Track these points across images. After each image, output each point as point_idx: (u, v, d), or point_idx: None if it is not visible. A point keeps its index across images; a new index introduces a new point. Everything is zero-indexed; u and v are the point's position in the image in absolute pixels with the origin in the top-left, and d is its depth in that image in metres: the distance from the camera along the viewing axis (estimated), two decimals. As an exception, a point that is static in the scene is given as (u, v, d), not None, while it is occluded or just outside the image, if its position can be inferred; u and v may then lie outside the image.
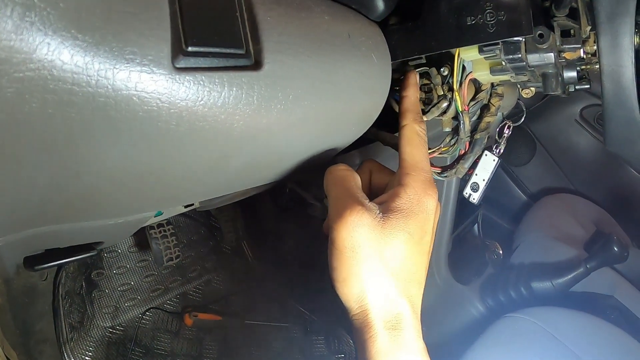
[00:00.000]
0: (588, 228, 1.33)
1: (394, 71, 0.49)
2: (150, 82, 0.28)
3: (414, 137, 0.45)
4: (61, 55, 0.25)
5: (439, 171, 0.61)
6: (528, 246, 1.27)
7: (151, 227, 1.01)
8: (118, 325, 1.13)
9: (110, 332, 1.11)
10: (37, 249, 0.57)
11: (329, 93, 0.39)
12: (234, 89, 0.32)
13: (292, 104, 0.36)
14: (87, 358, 1.06)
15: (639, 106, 0.48)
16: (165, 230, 1.01)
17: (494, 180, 1.77)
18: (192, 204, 0.82)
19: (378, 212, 0.40)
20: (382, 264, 0.40)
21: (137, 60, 0.28)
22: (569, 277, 1.09)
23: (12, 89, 0.25)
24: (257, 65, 0.33)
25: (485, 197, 1.52)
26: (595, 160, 1.53)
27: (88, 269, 1.13)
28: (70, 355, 1.05)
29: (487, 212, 1.66)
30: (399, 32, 0.49)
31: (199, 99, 0.31)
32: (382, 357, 0.38)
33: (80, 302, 1.10)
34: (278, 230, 1.29)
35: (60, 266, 1.07)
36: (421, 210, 0.41)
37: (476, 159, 0.85)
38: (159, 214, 0.78)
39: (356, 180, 0.44)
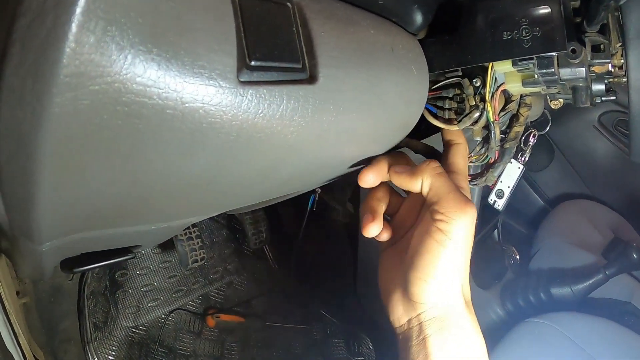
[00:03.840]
0: (606, 234, 1.33)
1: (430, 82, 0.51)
2: (216, 95, 0.30)
3: (465, 153, 0.54)
4: (136, 68, 0.26)
5: (470, 179, 0.62)
6: (547, 252, 1.27)
7: (177, 229, 1.03)
8: (141, 325, 1.15)
9: (133, 332, 1.13)
10: (78, 252, 0.59)
11: (373, 104, 0.41)
12: (292, 101, 0.34)
13: (341, 115, 0.38)
14: (110, 357, 1.08)
15: None
16: (190, 233, 1.03)
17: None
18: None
19: None
20: (467, 258, 0.44)
21: (206, 75, 0.29)
22: (588, 283, 1.09)
23: (87, 101, 0.26)
24: (312, 79, 0.35)
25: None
26: (613, 167, 1.52)
27: (113, 269, 1.16)
28: (94, 355, 1.07)
29: (506, 218, 1.66)
30: (436, 44, 0.50)
31: (260, 111, 0.32)
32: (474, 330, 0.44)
33: (104, 302, 1.12)
34: (300, 233, 1.30)
35: (90, 267, 1.09)
36: None
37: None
38: (191, 217, 0.79)
39: None
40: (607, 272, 1.09)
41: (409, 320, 0.45)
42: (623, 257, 1.08)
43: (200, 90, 0.29)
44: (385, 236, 0.51)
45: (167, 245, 1.16)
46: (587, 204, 1.50)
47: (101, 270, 1.12)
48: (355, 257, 1.28)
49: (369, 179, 0.47)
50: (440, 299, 0.43)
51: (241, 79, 0.31)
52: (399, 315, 0.46)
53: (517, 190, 1.67)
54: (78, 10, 0.23)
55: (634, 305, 1.15)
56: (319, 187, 0.89)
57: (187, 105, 0.29)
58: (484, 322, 1.13)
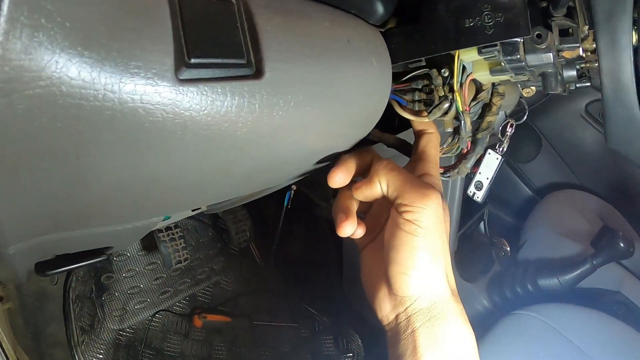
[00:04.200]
0: (594, 223, 1.33)
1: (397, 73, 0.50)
2: (154, 94, 0.29)
3: (436, 143, 0.54)
4: (69, 72, 0.26)
5: (442, 171, 0.61)
6: (534, 243, 1.27)
7: (159, 230, 1.02)
8: (128, 328, 1.14)
9: (121, 335, 1.13)
10: (48, 255, 0.58)
11: (329, 98, 0.40)
12: (236, 97, 0.33)
13: (293, 110, 0.37)
14: (98, 361, 1.08)
15: (639, 105, 0.49)
16: (173, 234, 1.03)
17: (500, 177, 1.77)
18: (200, 208, 0.83)
19: None
20: (446, 239, 0.44)
21: (142, 74, 0.29)
22: (575, 273, 1.09)
23: (23, 106, 0.26)
24: (258, 74, 0.34)
25: (491, 194, 1.52)
26: (601, 156, 1.52)
27: (98, 272, 1.15)
28: (82, 358, 1.06)
29: (493, 209, 1.66)
30: (399, 35, 0.49)
31: (203, 108, 0.32)
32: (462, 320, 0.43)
33: (90, 305, 1.12)
34: (285, 231, 1.30)
35: (70, 271, 1.08)
36: (443, 196, 0.47)
37: (480, 158, 0.86)
38: (167, 217, 0.79)
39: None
40: (594, 262, 1.08)
41: (397, 316, 0.44)
42: (610, 246, 1.08)
43: (138, 90, 0.29)
44: (359, 233, 0.50)
45: (152, 247, 1.16)
46: (576, 194, 1.50)
47: (86, 274, 1.12)
48: (341, 254, 1.28)
49: (338, 178, 0.47)
50: (425, 290, 0.43)
51: (180, 77, 0.30)
52: (387, 312, 0.46)
53: (505, 181, 1.67)
54: (1, 19, 0.23)
55: (623, 294, 1.14)
56: (294, 184, 0.88)
57: (126, 105, 0.29)
58: (471, 315, 1.12)
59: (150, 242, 1.17)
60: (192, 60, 0.30)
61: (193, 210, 0.83)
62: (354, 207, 0.49)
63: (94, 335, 1.09)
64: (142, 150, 0.32)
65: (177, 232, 1.02)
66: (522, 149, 1.64)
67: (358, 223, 0.50)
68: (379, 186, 0.46)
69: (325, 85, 0.39)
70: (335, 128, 0.44)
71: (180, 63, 0.30)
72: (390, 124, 0.62)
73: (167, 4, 0.30)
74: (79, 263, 0.61)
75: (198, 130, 0.33)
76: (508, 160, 1.69)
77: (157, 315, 1.17)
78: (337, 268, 1.34)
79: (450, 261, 0.45)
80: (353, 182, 0.49)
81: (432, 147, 0.53)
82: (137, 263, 1.19)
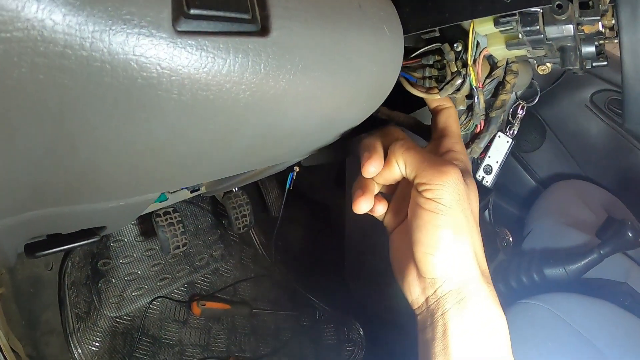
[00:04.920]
0: (599, 214, 1.31)
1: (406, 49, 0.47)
2: (149, 45, 0.27)
3: (456, 117, 0.52)
4: (52, 14, 0.24)
5: (453, 151, 0.59)
6: (539, 232, 1.25)
7: (157, 214, 1.00)
8: (125, 315, 1.12)
9: (117, 322, 1.11)
10: (37, 234, 0.56)
11: (339, 64, 0.37)
12: (240, 55, 0.30)
13: (301, 74, 0.34)
14: (93, 348, 1.06)
15: None
16: (171, 218, 1.00)
17: (504, 167, 1.75)
18: (198, 189, 0.81)
19: None
20: (473, 217, 0.43)
21: (135, 22, 0.26)
22: (582, 263, 1.07)
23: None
24: (264, 31, 0.31)
25: (495, 183, 1.50)
26: (605, 146, 1.51)
27: (94, 258, 1.13)
28: (77, 346, 1.04)
29: (497, 199, 1.64)
30: (411, 3, 0.47)
31: (203, 65, 0.29)
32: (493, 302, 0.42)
33: (86, 292, 1.10)
34: (286, 217, 1.28)
35: (65, 256, 1.06)
36: (471, 173, 0.47)
37: (489, 142, 0.84)
38: (164, 198, 0.76)
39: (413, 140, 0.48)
40: (601, 252, 1.07)
41: (427, 299, 0.43)
42: (617, 236, 1.06)
43: (130, 40, 0.26)
44: (380, 210, 0.49)
45: (150, 233, 1.13)
46: (580, 184, 1.48)
47: (82, 260, 1.09)
48: (343, 242, 1.26)
49: (373, 169, 0.46)
50: (453, 270, 0.41)
51: (178, 29, 0.28)
52: (417, 295, 0.44)
53: (509, 171, 1.65)
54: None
55: (629, 285, 1.13)
56: (297, 165, 0.86)
57: (116, 56, 0.26)
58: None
59: (148, 228, 1.14)
60: (192, 11, 0.28)
61: (191, 192, 0.80)
62: (373, 185, 0.48)
63: (90, 323, 1.07)
64: (135, 110, 0.30)
65: (175, 217, 1.00)
66: (526, 138, 1.62)
67: (379, 200, 0.49)
68: (397, 167, 0.45)
69: (335, 50, 0.36)
70: (344, 98, 0.41)
71: (179, 13, 0.27)
72: (400, 102, 0.60)
73: None
74: (70, 244, 0.59)
75: (197, 91, 0.30)
76: (512, 149, 1.67)
77: (154, 302, 1.15)
78: (339, 256, 1.31)
79: (480, 240, 0.44)
80: None
81: (453, 122, 0.52)
82: (135, 249, 1.17)
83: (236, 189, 1.18)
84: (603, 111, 1.48)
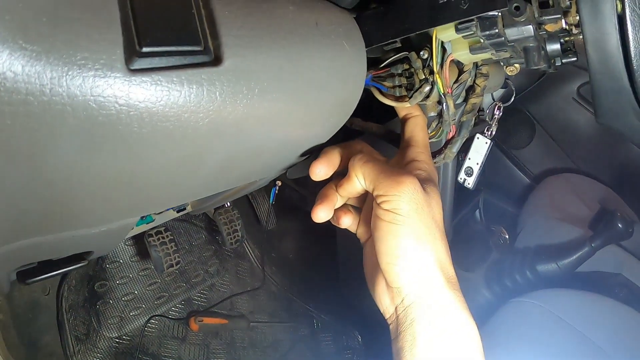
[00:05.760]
0: (592, 206, 1.30)
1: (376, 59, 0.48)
2: (105, 86, 0.28)
3: (424, 125, 0.52)
4: (12, 66, 0.25)
5: (428, 158, 0.60)
6: (531, 229, 1.24)
7: (149, 234, 1.01)
8: (124, 335, 1.13)
9: (117, 343, 1.11)
10: (28, 261, 0.57)
11: (298, 84, 0.38)
12: (194, 86, 0.31)
13: (258, 97, 0.35)
14: (94, 370, 1.06)
15: (627, 75, 0.47)
16: (163, 237, 1.01)
17: (496, 165, 1.75)
18: (185, 209, 0.82)
19: None
20: (436, 225, 0.43)
21: (90, 65, 0.27)
22: (574, 257, 1.06)
23: None
24: (217, 60, 0.32)
25: (487, 182, 1.50)
26: (596, 138, 1.50)
27: (91, 281, 1.13)
28: (79, 368, 1.05)
29: (490, 198, 1.64)
30: (372, 17, 0.47)
31: (158, 99, 0.30)
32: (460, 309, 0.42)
33: (85, 314, 1.10)
34: (280, 229, 1.29)
35: (62, 280, 1.07)
36: (436, 181, 0.47)
37: (469, 143, 0.84)
38: (150, 220, 0.77)
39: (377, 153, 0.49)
40: (592, 245, 1.06)
41: (396, 309, 0.43)
42: (608, 227, 1.05)
43: (87, 83, 0.28)
44: (346, 222, 0.50)
45: (144, 253, 1.14)
46: (573, 178, 1.48)
47: (78, 283, 1.10)
48: (336, 250, 1.26)
49: (319, 171, 0.47)
50: (416, 279, 0.41)
51: (131, 67, 0.29)
52: (387, 305, 0.45)
53: (500, 168, 1.65)
54: None
55: (624, 276, 1.12)
56: (279, 180, 0.87)
57: (75, 99, 0.28)
58: (472, 306, 1.10)
59: (142, 248, 1.15)
60: (144, 49, 0.29)
61: (178, 212, 0.81)
62: (335, 195, 0.48)
63: (90, 344, 1.08)
64: (101, 144, 0.31)
65: (167, 236, 1.01)
66: (516, 135, 1.62)
67: (345, 212, 0.50)
68: (357, 182, 0.45)
69: (293, 71, 0.37)
70: (308, 116, 0.42)
71: (132, 52, 0.29)
72: (374, 113, 0.61)
73: None
74: (59, 270, 0.60)
75: (156, 123, 0.31)
76: (502, 147, 1.67)
77: (152, 321, 1.15)
78: (333, 265, 1.32)
79: (444, 247, 0.44)
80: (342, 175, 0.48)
81: (419, 131, 0.52)
82: (131, 269, 1.18)
83: (228, 204, 1.19)
84: (591, 103, 1.48)
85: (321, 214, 0.47)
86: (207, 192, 0.48)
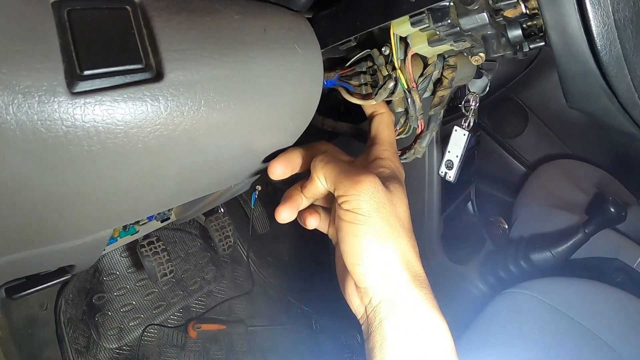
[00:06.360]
0: (589, 191, 1.28)
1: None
2: (50, 110, 0.30)
3: (389, 122, 0.52)
4: None
5: (399, 154, 0.60)
6: (525, 218, 1.23)
7: (141, 245, 1.02)
8: (124, 346, 1.14)
9: (117, 353, 1.13)
10: (12, 277, 0.58)
11: (247, 91, 0.39)
12: (138, 103, 0.32)
13: (206, 108, 0.36)
14: (97, 381, 1.08)
15: (592, 56, 0.46)
16: (156, 247, 1.02)
17: (491, 155, 1.73)
18: (169, 218, 0.83)
19: None
20: (400, 223, 0.43)
21: (33, 93, 0.29)
22: (568, 244, 1.04)
23: None
24: (158, 76, 0.33)
25: (483, 172, 1.48)
26: (589, 122, 1.49)
27: (89, 294, 1.15)
28: (80, 380, 1.06)
29: (487, 188, 1.63)
30: (326, 18, 0.47)
31: (103, 118, 0.31)
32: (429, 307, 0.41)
33: (84, 327, 1.11)
34: (273, 232, 1.29)
35: (58, 294, 1.08)
36: (401, 178, 0.47)
37: (448, 137, 0.84)
38: (133, 231, 0.78)
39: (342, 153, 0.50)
40: (586, 231, 1.04)
41: (365, 309, 0.43)
42: (600, 212, 1.04)
43: (32, 109, 0.29)
44: (313, 223, 0.50)
45: (140, 263, 1.15)
46: (568, 164, 1.46)
47: (76, 296, 1.11)
48: (330, 250, 1.26)
49: (276, 170, 0.47)
50: (380, 278, 0.41)
51: (74, 91, 0.30)
52: (357, 306, 0.45)
53: (495, 158, 1.64)
54: None
55: (620, 260, 1.11)
56: (258, 184, 0.87)
57: (23, 125, 0.29)
58: (466, 298, 1.10)
59: (137, 259, 1.16)
60: (86, 72, 0.31)
61: (162, 222, 0.82)
62: (300, 197, 0.49)
63: (90, 356, 1.09)
64: (55, 164, 0.32)
65: (159, 246, 1.02)
66: (509, 124, 1.61)
67: (311, 214, 0.50)
68: (320, 183, 0.45)
69: (240, 79, 0.38)
70: (265, 122, 0.42)
71: (73, 77, 0.30)
72: (356, 113, 0.61)
73: (54, 22, 0.31)
74: (43, 284, 0.61)
75: (105, 140, 0.32)
76: (496, 136, 1.66)
77: (151, 330, 1.16)
78: (330, 264, 1.32)
79: (410, 244, 0.43)
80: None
81: (385, 128, 0.52)
82: (128, 280, 1.19)
83: (221, 210, 1.19)
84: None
85: (284, 215, 0.47)
86: (176, 202, 0.48)
